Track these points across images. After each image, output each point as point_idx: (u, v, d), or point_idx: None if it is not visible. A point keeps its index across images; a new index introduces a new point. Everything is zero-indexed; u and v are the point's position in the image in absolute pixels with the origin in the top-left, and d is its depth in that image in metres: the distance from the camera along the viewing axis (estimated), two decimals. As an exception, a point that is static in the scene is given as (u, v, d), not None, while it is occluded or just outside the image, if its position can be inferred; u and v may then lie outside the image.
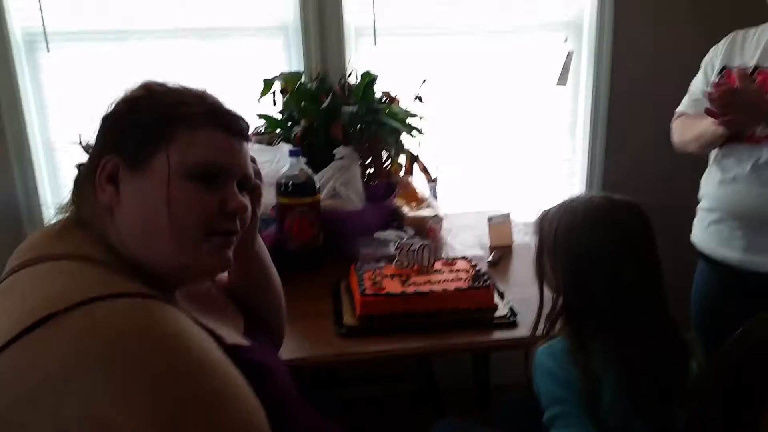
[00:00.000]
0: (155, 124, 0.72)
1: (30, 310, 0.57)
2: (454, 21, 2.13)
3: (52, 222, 0.75)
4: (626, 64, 2.23)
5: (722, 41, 1.50)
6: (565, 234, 1.07)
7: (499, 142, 2.27)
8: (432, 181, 2.08)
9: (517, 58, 2.21)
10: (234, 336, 0.78)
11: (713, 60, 1.50)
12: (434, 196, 2.04)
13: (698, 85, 1.56)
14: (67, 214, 0.75)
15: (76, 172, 0.77)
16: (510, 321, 1.30)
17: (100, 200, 0.72)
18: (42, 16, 1.87)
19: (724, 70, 1.44)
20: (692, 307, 1.59)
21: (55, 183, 2.05)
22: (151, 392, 0.54)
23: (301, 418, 0.79)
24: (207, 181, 0.72)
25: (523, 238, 1.82)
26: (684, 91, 2.21)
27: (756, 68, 1.38)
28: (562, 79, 2.24)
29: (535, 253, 1.16)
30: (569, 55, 2.21)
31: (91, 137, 0.76)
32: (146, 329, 0.57)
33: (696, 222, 1.60)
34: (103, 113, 0.76)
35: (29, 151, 1.95)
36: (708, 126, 1.39)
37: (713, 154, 1.51)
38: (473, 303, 1.31)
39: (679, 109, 1.62)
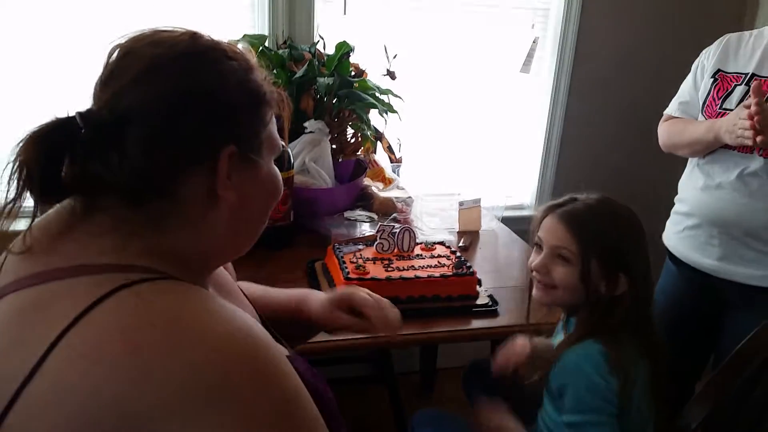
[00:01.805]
0: (262, 103, 0.64)
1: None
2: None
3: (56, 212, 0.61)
4: (589, 54, 2.26)
5: (714, 44, 1.51)
6: (628, 236, 1.06)
7: (463, 124, 2.26)
8: (396, 161, 2.04)
9: (489, 38, 2.19)
10: None
11: (704, 63, 1.50)
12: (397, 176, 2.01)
13: (686, 88, 1.56)
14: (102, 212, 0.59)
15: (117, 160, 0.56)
16: (491, 309, 1.30)
17: (221, 198, 0.60)
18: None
19: (717, 74, 1.45)
20: (657, 307, 1.63)
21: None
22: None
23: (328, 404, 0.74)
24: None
25: (490, 224, 1.83)
26: (648, 84, 2.31)
27: (752, 75, 1.39)
28: (526, 67, 2.25)
29: (580, 257, 1.04)
30: (534, 42, 2.22)
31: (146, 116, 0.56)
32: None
33: (670, 224, 1.61)
34: (184, 90, 0.57)
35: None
36: (703, 134, 1.41)
37: (695, 158, 1.51)
38: (457, 290, 1.30)
39: (667, 111, 1.62)
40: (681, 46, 2.19)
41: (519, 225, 1.90)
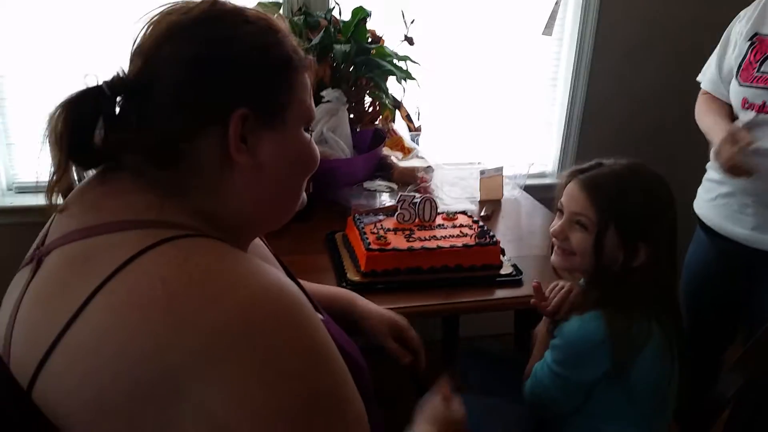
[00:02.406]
0: (286, 69, 0.63)
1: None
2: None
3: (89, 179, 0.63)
4: (614, 14, 2.18)
5: (752, 6, 1.42)
6: (652, 205, 1.03)
7: (483, 90, 2.20)
8: (415, 129, 2.01)
9: (505, 2, 2.12)
10: None
11: (740, 27, 1.42)
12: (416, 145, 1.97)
13: (714, 60, 1.50)
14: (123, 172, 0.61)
15: (136, 121, 0.60)
16: (515, 279, 1.28)
17: (234, 162, 0.60)
18: None
19: (755, 36, 1.37)
20: (684, 271, 1.60)
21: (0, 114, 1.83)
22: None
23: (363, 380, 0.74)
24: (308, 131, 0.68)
25: (512, 192, 1.80)
26: (674, 51, 2.23)
27: None
28: (548, 29, 2.17)
29: (596, 225, 1.02)
30: (557, 3, 2.15)
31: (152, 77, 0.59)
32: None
33: (701, 192, 1.56)
34: (202, 52, 0.59)
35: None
36: (711, 126, 1.41)
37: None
38: (480, 260, 1.27)
39: (702, 84, 1.56)
40: (712, 3, 2.11)
41: (542, 193, 1.86)
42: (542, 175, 2.36)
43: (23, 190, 1.92)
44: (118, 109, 0.60)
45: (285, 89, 0.63)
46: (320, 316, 0.68)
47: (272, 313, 0.52)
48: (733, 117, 1.43)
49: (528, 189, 1.89)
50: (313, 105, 0.68)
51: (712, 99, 1.52)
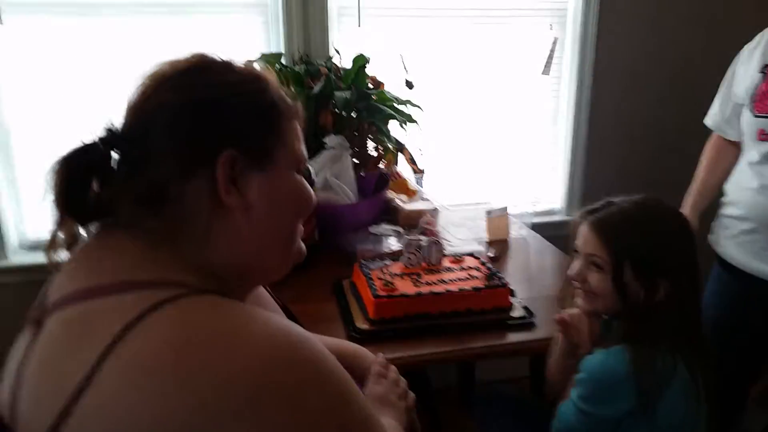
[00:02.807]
0: (271, 113, 0.64)
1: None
2: (439, 2, 2.05)
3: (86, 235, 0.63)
4: (611, 54, 2.20)
5: (756, 39, 1.42)
6: (667, 241, 1.02)
7: (485, 130, 2.21)
8: (419, 172, 2.00)
9: (503, 44, 2.15)
10: None
11: (746, 59, 1.42)
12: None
13: (718, 101, 1.51)
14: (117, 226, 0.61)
15: (124, 168, 0.60)
16: (528, 322, 1.25)
17: (224, 205, 0.60)
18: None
19: (766, 68, 1.37)
20: (706, 313, 1.55)
21: (8, 166, 1.84)
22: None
23: None
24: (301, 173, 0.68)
25: (519, 232, 1.78)
26: (672, 83, 2.24)
27: None
28: (546, 69, 2.20)
29: (611, 266, 1.02)
30: (554, 44, 2.17)
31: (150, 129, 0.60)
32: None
33: (719, 229, 1.52)
34: (188, 99, 0.60)
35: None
36: (694, 184, 1.51)
37: (746, 158, 1.43)
38: (490, 303, 1.25)
39: (709, 125, 1.59)
40: (711, 32, 2.13)
41: (551, 231, 1.84)
42: (550, 212, 2.35)
43: (34, 247, 1.90)
44: (107, 161, 0.61)
45: (272, 132, 0.64)
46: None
47: (284, 357, 0.52)
48: (731, 162, 1.49)
49: (536, 227, 1.87)
50: (304, 149, 0.69)
51: (714, 145, 1.56)
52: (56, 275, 0.61)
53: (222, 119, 0.61)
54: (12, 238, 1.88)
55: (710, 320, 1.52)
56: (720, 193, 1.54)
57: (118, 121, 0.63)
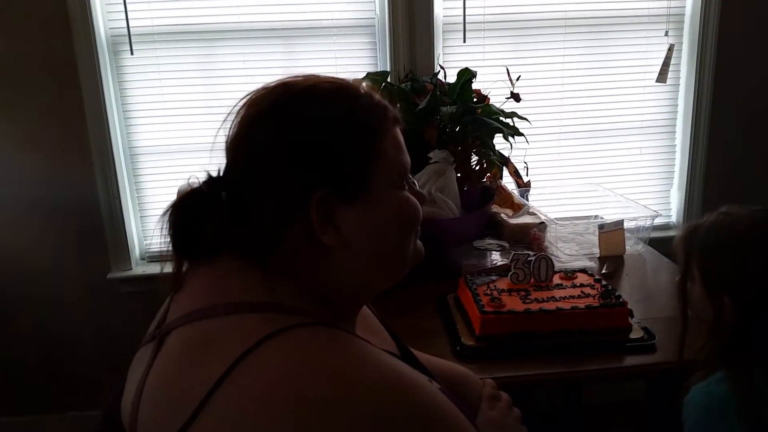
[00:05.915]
0: (363, 136, 0.62)
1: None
2: (545, 13, 2.00)
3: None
4: (733, 59, 2.05)
5: None
6: (733, 256, 0.95)
7: (595, 141, 2.12)
8: (524, 185, 1.95)
9: (618, 50, 2.06)
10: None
11: None
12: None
13: None
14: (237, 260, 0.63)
15: (231, 207, 0.63)
16: (648, 344, 1.17)
17: (324, 244, 0.60)
18: (126, 17, 1.82)
19: None
20: None
21: (137, 190, 2.01)
22: None
23: None
24: (405, 184, 0.66)
25: (635, 247, 1.68)
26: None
27: None
28: (662, 76, 2.08)
29: (680, 275, 1.02)
30: (670, 50, 2.05)
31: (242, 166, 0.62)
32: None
33: None
34: (275, 135, 0.60)
35: (112, 156, 1.91)
36: None
37: None
38: (606, 323, 1.18)
39: None
40: None
41: (667, 247, 1.72)
42: (666, 227, 2.20)
43: (154, 259, 2.07)
44: (214, 206, 0.63)
45: (367, 158, 0.61)
46: (436, 385, 0.65)
47: (394, 404, 0.52)
48: None
49: (652, 243, 1.76)
50: (407, 158, 0.66)
51: None
52: (176, 296, 0.64)
53: (309, 159, 0.59)
54: (135, 251, 2.05)
55: None
56: None
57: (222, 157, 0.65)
